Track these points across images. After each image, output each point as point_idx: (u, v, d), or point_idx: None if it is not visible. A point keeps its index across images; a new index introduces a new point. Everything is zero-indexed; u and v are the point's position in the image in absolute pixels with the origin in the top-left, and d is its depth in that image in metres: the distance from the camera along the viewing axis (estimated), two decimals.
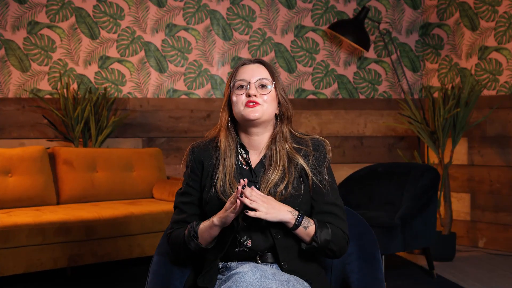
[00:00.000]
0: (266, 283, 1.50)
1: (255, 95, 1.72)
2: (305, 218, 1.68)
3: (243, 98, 1.73)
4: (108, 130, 4.17)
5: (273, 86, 1.76)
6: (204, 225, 1.69)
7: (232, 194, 1.68)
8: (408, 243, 3.34)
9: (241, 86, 1.74)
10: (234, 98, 1.75)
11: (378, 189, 3.71)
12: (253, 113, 1.72)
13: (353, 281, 1.86)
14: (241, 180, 1.61)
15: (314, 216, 1.73)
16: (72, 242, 3.25)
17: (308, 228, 1.67)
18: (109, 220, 3.38)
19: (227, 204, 1.63)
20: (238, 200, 1.59)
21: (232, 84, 1.77)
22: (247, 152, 1.79)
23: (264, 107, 1.73)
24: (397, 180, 3.64)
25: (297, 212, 1.67)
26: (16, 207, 3.55)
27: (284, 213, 1.65)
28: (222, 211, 1.64)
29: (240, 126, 1.79)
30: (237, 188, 1.61)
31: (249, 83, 1.73)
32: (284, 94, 1.79)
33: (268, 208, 1.62)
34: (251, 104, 1.72)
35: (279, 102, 1.78)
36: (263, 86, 1.74)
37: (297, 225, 1.66)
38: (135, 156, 4.12)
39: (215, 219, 1.66)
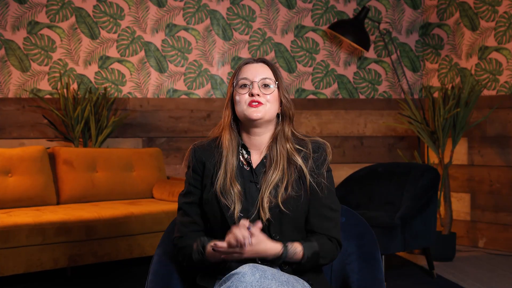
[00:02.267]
0: (265, 283, 1.50)
1: (258, 95, 1.72)
2: (291, 248, 1.65)
3: (246, 97, 1.73)
4: (108, 130, 4.17)
5: (276, 86, 1.76)
6: (209, 249, 1.67)
7: (230, 194, 1.69)
8: (408, 243, 3.34)
9: (244, 85, 1.75)
10: (237, 97, 1.75)
11: (378, 189, 3.71)
12: (256, 113, 1.72)
13: (353, 281, 1.86)
14: (247, 229, 1.58)
15: (309, 218, 1.74)
16: (72, 242, 3.25)
17: (295, 255, 1.66)
18: (109, 220, 3.38)
19: (231, 241, 1.58)
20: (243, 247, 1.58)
21: (235, 82, 1.77)
22: (248, 153, 1.79)
23: (267, 106, 1.74)
24: (397, 180, 3.65)
25: (281, 248, 1.64)
26: (16, 207, 3.55)
27: (269, 253, 1.63)
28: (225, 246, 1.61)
29: (242, 125, 1.79)
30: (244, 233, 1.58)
31: (252, 82, 1.74)
32: (287, 94, 1.79)
33: (253, 254, 1.61)
34: (254, 104, 1.72)
35: (281, 102, 1.79)
36: (266, 85, 1.75)
37: (282, 258, 1.64)
38: (135, 156, 4.12)
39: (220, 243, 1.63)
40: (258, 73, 1.75)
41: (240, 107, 1.74)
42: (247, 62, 1.79)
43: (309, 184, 1.72)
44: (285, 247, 1.65)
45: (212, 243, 1.63)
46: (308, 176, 1.72)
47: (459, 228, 4.51)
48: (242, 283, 1.50)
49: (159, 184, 4.07)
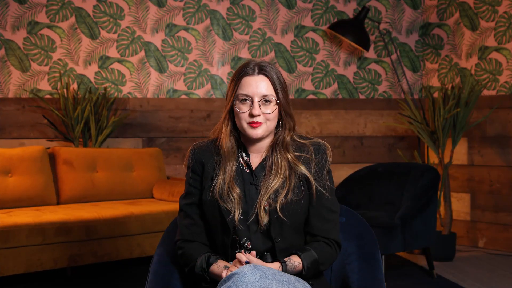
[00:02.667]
0: (266, 283, 1.50)
1: (258, 115, 1.70)
2: (290, 263, 1.66)
3: (246, 116, 1.71)
4: (108, 130, 4.17)
5: (276, 103, 1.73)
6: (214, 270, 1.69)
7: (230, 198, 1.70)
8: (408, 243, 3.34)
9: (244, 100, 1.72)
10: (237, 111, 1.72)
11: (378, 189, 3.71)
12: (256, 132, 1.71)
13: (353, 281, 1.86)
14: (243, 256, 1.62)
15: (309, 219, 1.74)
16: (72, 242, 3.25)
17: (295, 269, 1.67)
18: (109, 220, 3.38)
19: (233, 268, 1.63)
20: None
21: (235, 95, 1.73)
22: (248, 155, 1.78)
23: (267, 124, 1.72)
24: (397, 180, 3.64)
25: (279, 266, 1.65)
26: (16, 207, 3.55)
27: None
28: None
29: (242, 133, 1.79)
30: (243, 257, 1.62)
31: (252, 101, 1.71)
32: (287, 106, 1.75)
33: None
34: (255, 124, 1.71)
35: (281, 115, 1.76)
36: (266, 101, 1.72)
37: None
38: (135, 156, 4.12)
39: (224, 274, 1.64)
40: (258, 89, 1.70)
41: (240, 123, 1.73)
42: (247, 73, 1.72)
43: (315, 189, 1.72)
44: (283, 263, 1.65)
45: (221, 264, 1.67)
46: (313, 182, 1.72)
47: (459, 228, 4.51)
48: (242, 283, 1.50)
49: (159, 184, 4.07)
